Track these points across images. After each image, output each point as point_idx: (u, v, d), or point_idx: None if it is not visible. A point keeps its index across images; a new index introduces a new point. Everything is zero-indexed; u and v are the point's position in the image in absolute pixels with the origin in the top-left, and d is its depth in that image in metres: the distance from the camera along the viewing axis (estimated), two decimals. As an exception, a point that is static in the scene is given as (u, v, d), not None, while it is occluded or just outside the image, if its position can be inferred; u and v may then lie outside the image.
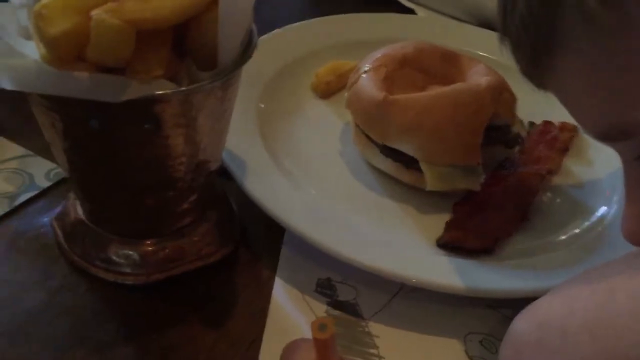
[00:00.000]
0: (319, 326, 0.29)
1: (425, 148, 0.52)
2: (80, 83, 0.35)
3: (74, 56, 0.35)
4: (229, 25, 0.38)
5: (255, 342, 0.44)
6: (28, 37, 0.37)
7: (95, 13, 0.33)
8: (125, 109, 0.36)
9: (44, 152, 0.54)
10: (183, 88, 0.38)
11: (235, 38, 0.39)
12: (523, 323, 0.37)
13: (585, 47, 0.32)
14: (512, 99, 0.57)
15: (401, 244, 0.51)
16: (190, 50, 0.40)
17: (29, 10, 0.38)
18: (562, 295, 0.36)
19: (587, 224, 0.54)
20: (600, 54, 0.32)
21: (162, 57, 0.37)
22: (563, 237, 0.53)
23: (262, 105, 0.61)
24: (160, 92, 0.37)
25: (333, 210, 0.52)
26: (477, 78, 0.56)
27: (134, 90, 0.36)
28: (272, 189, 0.51)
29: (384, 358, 0.44)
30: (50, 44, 0.34)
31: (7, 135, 0.56)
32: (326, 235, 0.48)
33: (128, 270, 0.46)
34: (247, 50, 0.41)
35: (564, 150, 0.62)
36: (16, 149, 0.55)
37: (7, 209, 0.50)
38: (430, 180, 0.53)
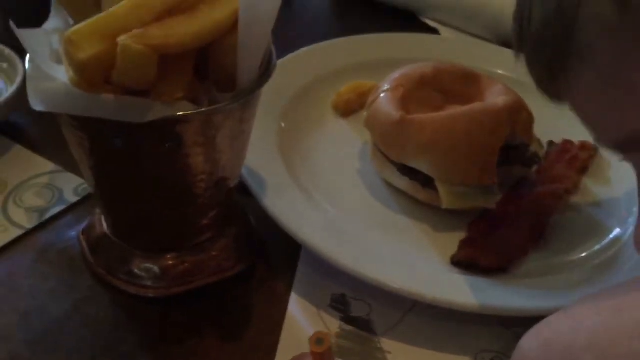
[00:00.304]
0: (316, 340, 0.30)
1: (440, 167, 0.53)
2: (107, 105, 0.37)
3: (101, 79, 0.37)
4: (247, 50, 0.40)
5: (269, 356, 0.45)
6: (59, 61, 0.39)
7: (121, 39, 0.35)
8: (148, 129, 0.38)
9: (73, 168, 0.56)
10: (203, 109, 0.40)
11: (254, 62, 0.41)
12: (529, 341, 0.37)
13: (602, 60, 0.32)
14: (529, 119, 0.57)
15: (416, 261, 0.52)
16: (211, 73, 0.42)
17: (60, 35, 0.40)
18: (569, 315, 0.37)
19: (602, 244, 0.54)
20: (617, 67, 0.32)
21: (184, 80, 0.39)
22: (578, 257, 0.53)
23: (283, 124, 0.62)
24: (181, 113, 0.39)
25: (349, 228, 0.53)
26: (495, 98, 0.57)
27: (157, 111, 0.38)
28: (290, 206, 0.53)
29: (396, 374, 0.45)
30: (79, 68, 0.36)
31: (40, 152, 0.59)
32: (342, 252, 0.49)
33: (149, 283, 0.48)
34: (265, 73, 0.43)
35: (583, 169, 0.62)
36: (47, 165, 0.58)
37: (37, 223, 0.53)
38: (446, 199, 0.54)
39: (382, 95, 0.58)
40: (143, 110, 0.37)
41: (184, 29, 0.37)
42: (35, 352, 0.45)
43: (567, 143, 0.64)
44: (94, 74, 0.36)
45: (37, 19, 0.42)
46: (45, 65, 0.38)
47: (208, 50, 0.40)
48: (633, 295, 0.35)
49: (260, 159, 0.56)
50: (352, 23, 0.89)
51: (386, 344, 0.47)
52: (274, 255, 0.53)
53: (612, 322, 0.34)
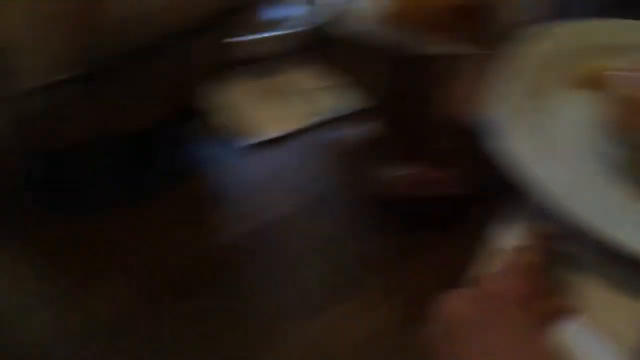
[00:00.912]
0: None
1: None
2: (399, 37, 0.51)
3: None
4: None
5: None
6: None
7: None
8: (418, 61, 0.51)
9: (354, 85, 0.68)
10: (461, 52, 0.51)
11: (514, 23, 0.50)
12: None
13: None
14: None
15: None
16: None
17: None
18: None
19: None
20: None
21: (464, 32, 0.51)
22: None
23: (533, 86, 0.68)
24: (438, 52, 0.51)
25: (582, 185, 0.56)
26: None
27: (436, 48, 0.50)
28: (524, 157, 0.58)
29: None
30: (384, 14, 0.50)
31: (336, 68, 0.70)
32: (577, 207, 0.50)
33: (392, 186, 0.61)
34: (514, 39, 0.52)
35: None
36: (340, 80, 0.69)
37: (318, 121, 0.68)
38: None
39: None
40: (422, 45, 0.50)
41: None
42: (292, 217, 0.60)
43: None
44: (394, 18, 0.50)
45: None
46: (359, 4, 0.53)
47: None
48: None
49: (507, 112, 0.63)
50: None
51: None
52: (489, 196, 0.61)
53: None
